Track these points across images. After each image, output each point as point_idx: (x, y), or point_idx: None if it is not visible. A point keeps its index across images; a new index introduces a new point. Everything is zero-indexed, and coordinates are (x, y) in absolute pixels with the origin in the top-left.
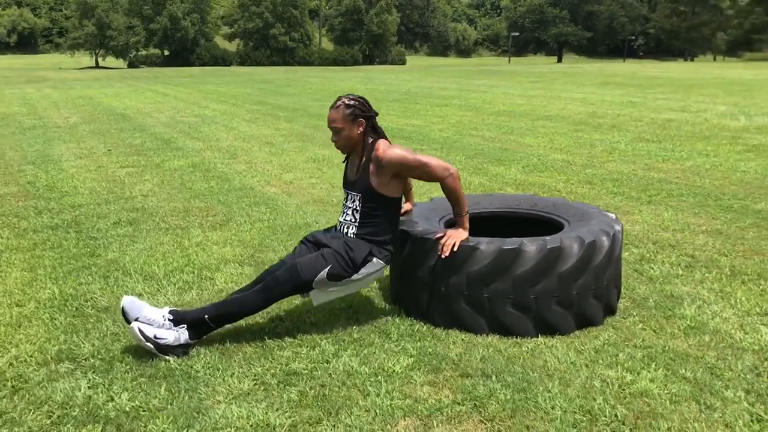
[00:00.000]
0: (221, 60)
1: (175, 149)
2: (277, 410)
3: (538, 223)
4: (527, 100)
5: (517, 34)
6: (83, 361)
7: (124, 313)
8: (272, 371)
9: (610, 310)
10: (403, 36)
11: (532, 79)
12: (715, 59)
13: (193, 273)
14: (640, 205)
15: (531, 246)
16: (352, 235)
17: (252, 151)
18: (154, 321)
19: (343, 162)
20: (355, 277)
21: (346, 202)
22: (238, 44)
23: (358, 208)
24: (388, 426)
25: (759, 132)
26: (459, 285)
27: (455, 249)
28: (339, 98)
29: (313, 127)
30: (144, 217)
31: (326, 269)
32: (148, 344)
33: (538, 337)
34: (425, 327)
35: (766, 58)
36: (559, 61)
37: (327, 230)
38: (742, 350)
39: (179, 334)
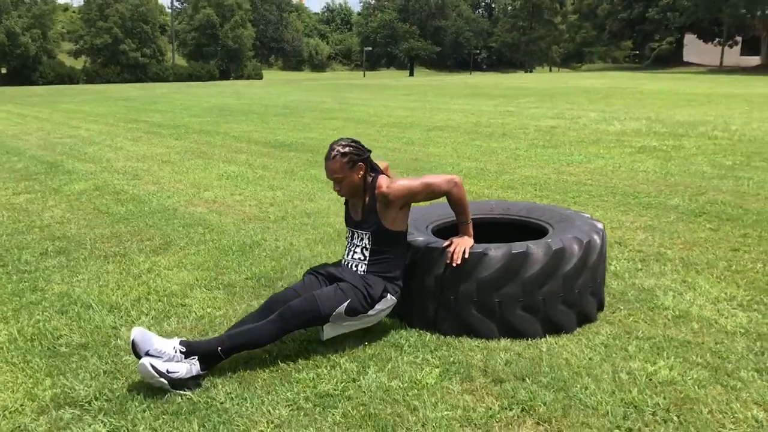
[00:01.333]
0: (67, 78)
1: (67, 172)
2: None
3: (519, 227)
4: (409, 111)
5: (370, 48)
6: (87, 405)
7: (134, 346)
8: (303, 395)
9: (601, 306)
10: (258, 50)
11: (404, 92)
12: (551, 70)
13: (161, 301)
14: (569, 207)
15: (538, 249)
16: (362, 272)
17: (153, 171)
18: (165, 353)
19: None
20: (370, 312)
21: (353, 239)
22: (85, 61)
23: (367, 246)
24: None
25: (636, 135)
26: (469, 292)
27: (466, 257)
28: (332, 147)
29: (206, 144)
30: (72, 246)
31: (345, 303)
32: (162, 380)
33: (546, 337)
34: (434, 336)
35: (600, 68)
36: (411, 74)
37: (337, 264)
38: (732, 334)
39: (191, 366)
